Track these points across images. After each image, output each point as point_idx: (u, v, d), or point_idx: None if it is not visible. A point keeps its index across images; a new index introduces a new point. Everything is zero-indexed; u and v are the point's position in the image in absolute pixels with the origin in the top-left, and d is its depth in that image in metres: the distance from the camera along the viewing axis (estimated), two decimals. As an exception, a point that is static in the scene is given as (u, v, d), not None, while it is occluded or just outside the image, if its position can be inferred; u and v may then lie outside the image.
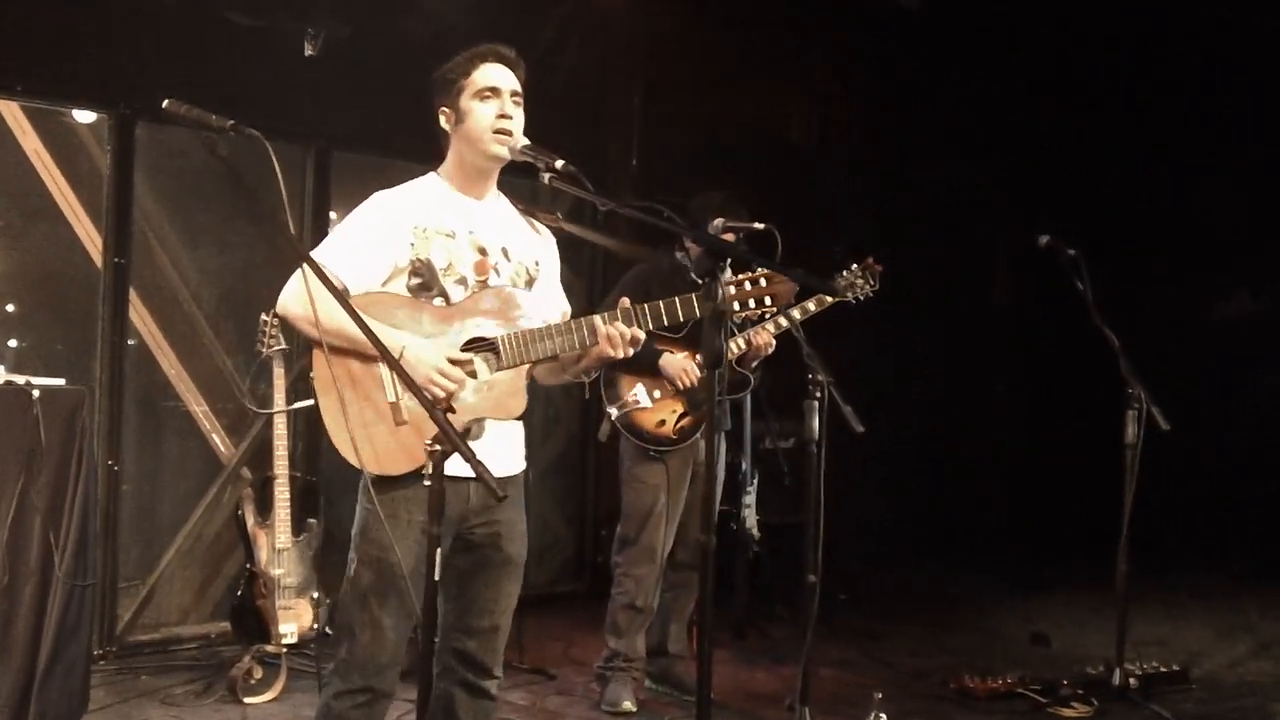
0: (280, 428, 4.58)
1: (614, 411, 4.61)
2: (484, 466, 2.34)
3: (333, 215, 5.69)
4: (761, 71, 7.26)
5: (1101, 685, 4.83)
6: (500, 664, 3.01)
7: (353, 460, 2.70)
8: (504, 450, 2.92)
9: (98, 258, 5.11)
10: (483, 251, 2.89)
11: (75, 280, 5.11)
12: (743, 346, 4.50)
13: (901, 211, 7.77)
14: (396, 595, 2.76)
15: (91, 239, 5.12)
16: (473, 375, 2.80)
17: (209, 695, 4.55)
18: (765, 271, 2.78)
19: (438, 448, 2.40)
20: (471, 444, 2.75)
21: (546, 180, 2.83)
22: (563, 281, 3.13)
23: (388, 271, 2.83)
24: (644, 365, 4.46)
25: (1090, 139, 8.34)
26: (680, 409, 4.59)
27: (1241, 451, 7.98)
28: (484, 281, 2.87)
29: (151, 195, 5.28)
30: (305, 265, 2.52)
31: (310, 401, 2.81)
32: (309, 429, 5.44)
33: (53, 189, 5.06)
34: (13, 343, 5.00)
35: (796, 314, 4.46)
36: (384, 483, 2.77)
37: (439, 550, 2.46)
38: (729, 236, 4.36)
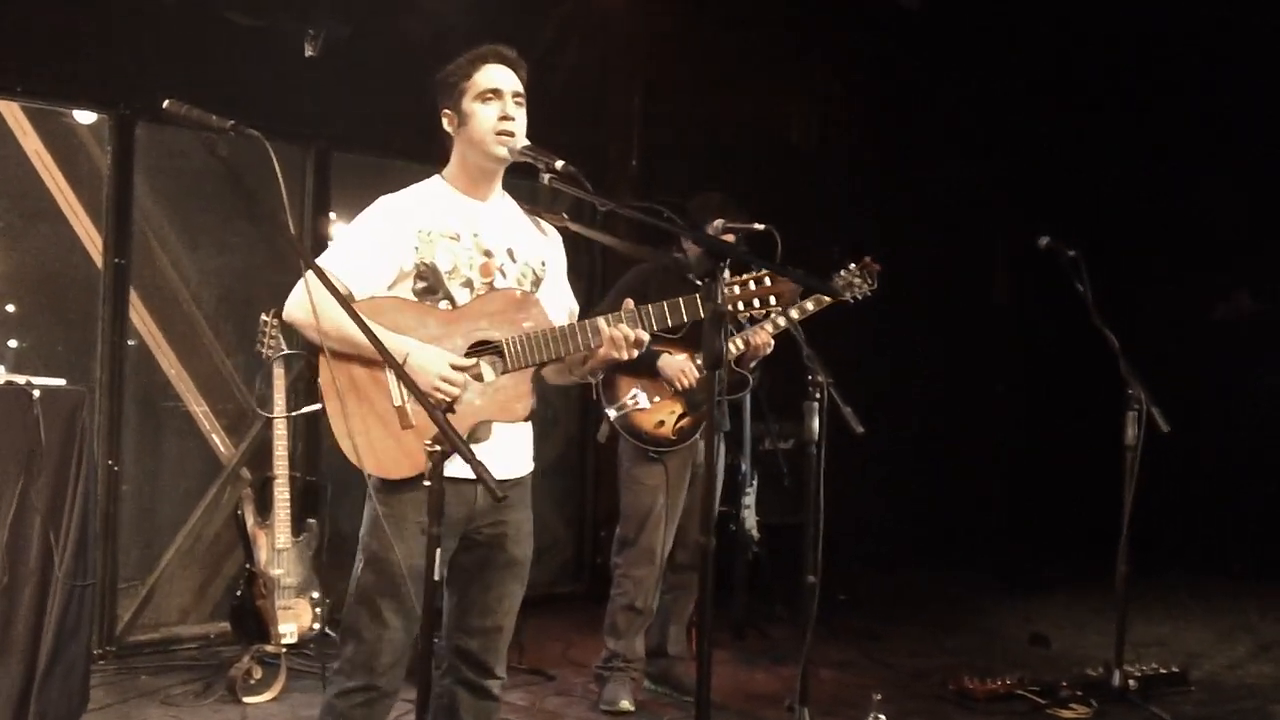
0: (280, 428, 4.59)
1: (613, 413, 4.61)
2: (484, 467, 2.36)
3: (332, 215, 5.69)
4: (761, 71, 7.26)
5: (1101, 686, 4.83)
6: (503, 664, 3.02)
7: (365, 464, 2.73)
8: (511, 453, 2.93)
9: (98, 258, 5.11)
10: (488, 254, 2.90)
11: (75, 280, 5.11)
12: (741, 347, 4.50)
13: (901, 211, 7.77)
14: (402, 596, 2.77)
15: (91, 239, 5.12)
16: (479, 378, 2.82)
17: (208, 695, 4.55)
18: (767, 271, 2.78)
19: (437, 448, 2.41)
20: (478, 446, 2.77)
21: (546, 181, 2.83)
22: (565, 281, 3.13)
23: (393, 276, 2.84)
24: (642, 366, 4.45)
25: (1090, 139, 8.34)
26: (679, 410, 4.59)
27: (1241, 452, 7.97)
28: (490, 284, 2.89)
29: (151, 196, 5.28)
30: (310, 271, 2.53)
31: (317, 406, 2.83)
32: (308, 429, 5.44)
33: (53, 189, 5.06)
34: (13, 343, 5.00)
35: (795, 314, 4.46)
36: (391, 486, 2.79)
37: (439, 550, 2.47)
38: (729, 237, 4.37)
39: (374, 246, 2.83)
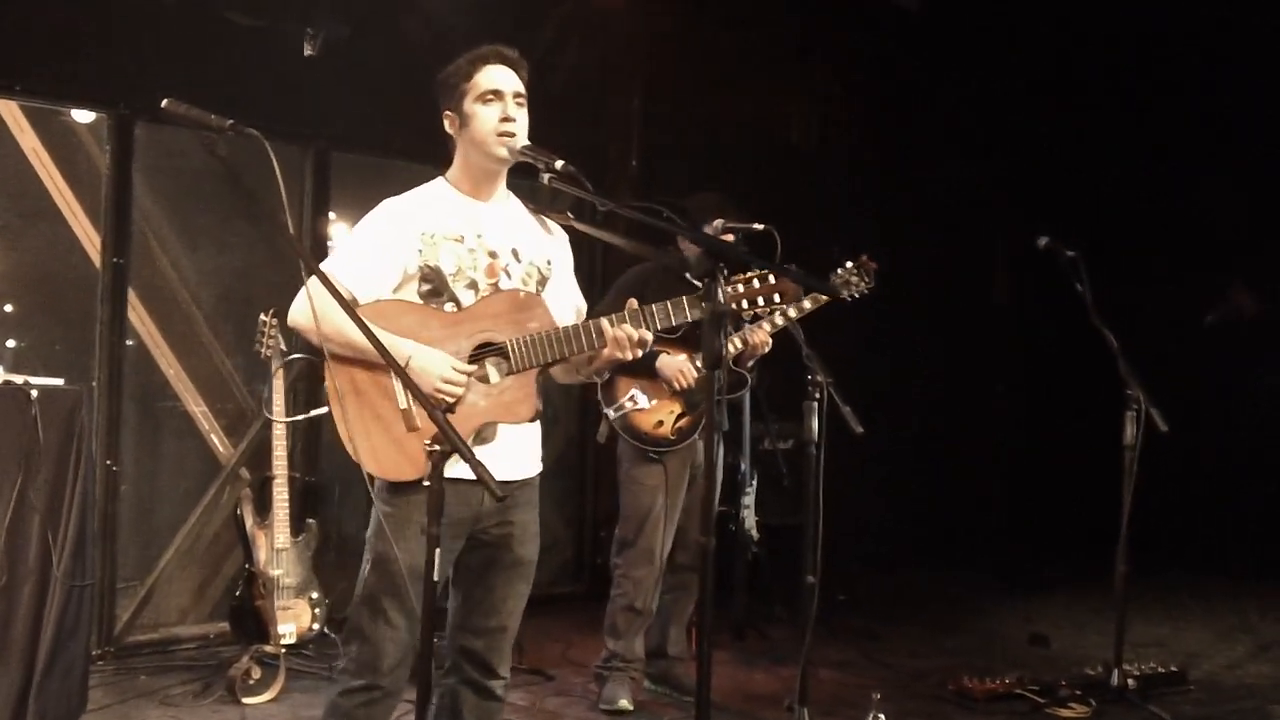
0: (279, 428, 4.59)
1: (611, 413, 4.60)
2: (484, 468, 2.37)
3: (332, 216, 5.69)
4: (761, 71, 7.26)
5: (1100, 686, 4.83)
6: (507, 665, 3.03)
7: (367, 467, 2.75)
8: (518, 454, 2.95)
9: (96, 258, 5.10)
10: (493, 255, 2.91)
11: (74, 280, 5.11)
12: (739, 346, 4.49)
13: (901, 211, 7.76)
14: (406, 596, 2.78)
15: (90, 239, 5.12)
16: (484, 380, 2.82)
17: (207, 696, 4.55)
18: (765, 270, 2.79)
19: (436, 448, 2.41)
20: (484, 448, 2.78)
21: (546, 181, 2.84)
22: (564, 282, 3.12)
23: (397, 279, 2.85)
24: (640, 366, 4.44)
25: (1090, 139, 8.33)
26: (678, 410, 4.58)
27: (1241, 452, 7.97)
28: (495, 284, 2.90)
29: (150, 195, 5.27)
30: (314, 276, 2.54)
31: (325, 409, 2.84)
32: (307, 430, 5.44)
33: (51, 189, 5.06)
34: (11, 343, 5.00)
35: (793, 312, 4.45)
36: (396, 488, 2.82)
37: (439, 550, 2.47)
38: (728, 237, 4.36)
39: (377, 250, 2.84)
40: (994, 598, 7.11)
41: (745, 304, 2.78)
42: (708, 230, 4.36)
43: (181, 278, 5.41)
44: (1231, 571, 7.71)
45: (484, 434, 2.84)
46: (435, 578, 2.46)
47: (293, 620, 4.58)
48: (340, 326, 2.65)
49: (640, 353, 2.85)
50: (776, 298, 2.78)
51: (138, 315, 5.27)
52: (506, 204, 3.02)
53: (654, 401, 4.58)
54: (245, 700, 4.47)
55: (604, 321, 2.82)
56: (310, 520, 4.76)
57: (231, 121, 2.41)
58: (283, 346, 4.62)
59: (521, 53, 2.96)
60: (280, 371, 4.61)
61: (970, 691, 4.84)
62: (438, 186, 2.97)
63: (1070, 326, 5.47)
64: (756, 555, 5.80)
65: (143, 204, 5.23)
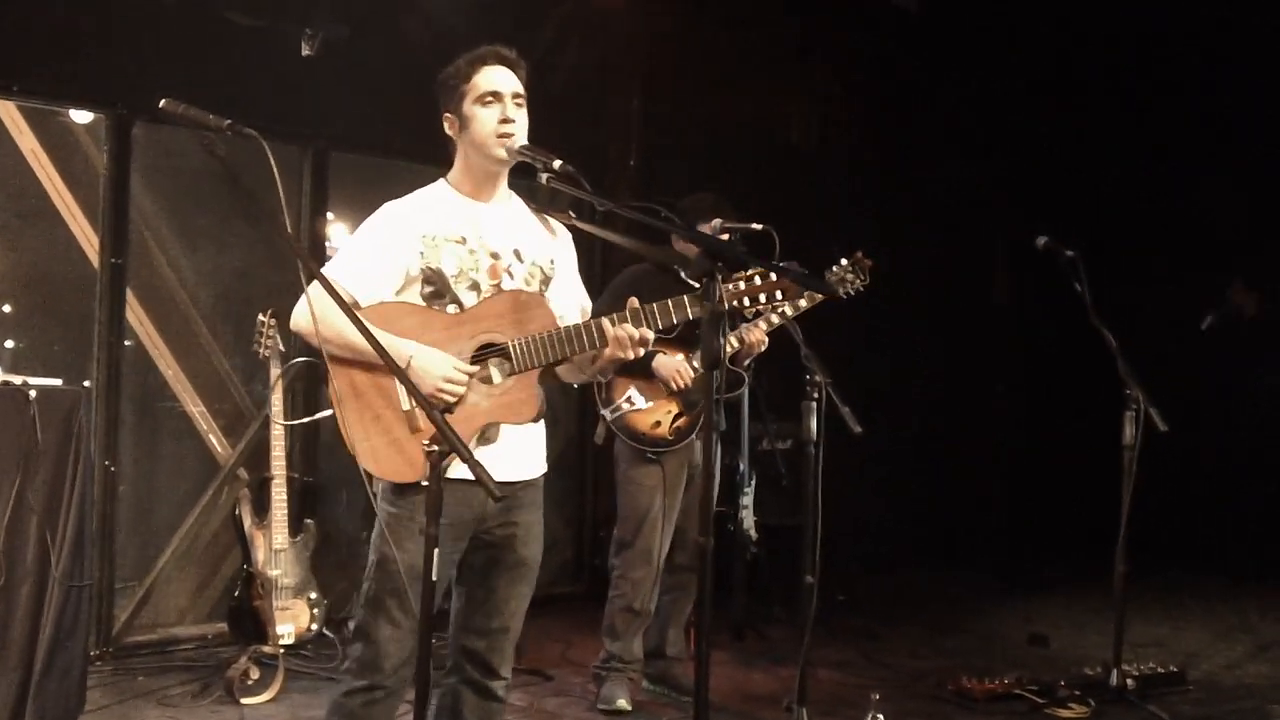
0: (277, 429, 4.58)
1: (608, 414, 4.60)
2: (482, 468, 2.38)
3: (330, 216, 5.68)
4: (761, 71, 7.25)
5: (1099, 686, 4.83)
6: (508, 665, 3.03)
7: (372, 469, 2.77)
8: (522, 454, 2.95)
9: (94, 258, 5.10)
10: (495, 255, 2.91)
11: (72, 280, 5.10)
12: (735, 345, 4.49)
13: (901, 211, 7.76)
14: (409, 597, 2.79)
15: (88, 239, 5.11)
16: (487, 381, 2.82)
17: (206, 696, 4.55)
18: (760, 269, 2.78)
19: (435, 448, 2.41)
20: (487, 448, 2.78)
21: (544, 180, 2.83)
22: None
23: (399, 281, 2.85)
24: (637, 367, 4.44)
25: (1090, 139, 8.33)
26: (675, 410, 4.58)
27: (1241, 451, 7.96)
28: (498, 285, 2.90)
29: (148, 195, 5.27)
30: (315, 280, 2.55)
31: (330, 412, 2.85)
32: (306, 430, 5.43)
33: (49, 189, 5.05)
34: (9, 343, 5.00)
35: (789, 310, 4.44)
36: (399, 489, 2.83)
37: (436, 550, 2.47)
38: (725, 237, 4.35)
39: (378, 252, 2.84)
40: (993, 598, 7.10)
41: (746, 301, 2.77)
42: (705, 230, 4.35)
43: (180, 278, 5.41)
44: (1231, 571, 7.70)
45: (487, 434, 2.84)
46: (434, 578, 2.46)
47: (291, 620, 4.57)
48: (340, 329, 2.67)
49: (642, 352, 2.85)
50: (779, 294, 2.78)
51: (136, 315, 5.27)
52: (508, 204, 3.02)
53: (651, 402, 4.57)
54: (244, 701, 4.46)
55: (605, 321, 2.83)
56: (308, 520, 4.76)
57: (230, 121, 2.41)
58: (281, 347, 4.62)
59: (521, 53, 2.95)
60: (278, 372, 4.60)
61: (970, 692, 4.84)
62: (438, 188, 2.97)
63: (1070, 326, 5.47)
64: (755, 555, 5.80)
65: (141, 204, 5.23)
